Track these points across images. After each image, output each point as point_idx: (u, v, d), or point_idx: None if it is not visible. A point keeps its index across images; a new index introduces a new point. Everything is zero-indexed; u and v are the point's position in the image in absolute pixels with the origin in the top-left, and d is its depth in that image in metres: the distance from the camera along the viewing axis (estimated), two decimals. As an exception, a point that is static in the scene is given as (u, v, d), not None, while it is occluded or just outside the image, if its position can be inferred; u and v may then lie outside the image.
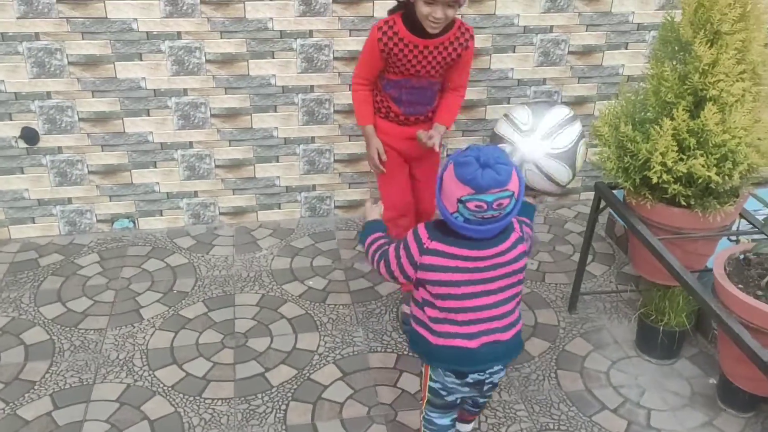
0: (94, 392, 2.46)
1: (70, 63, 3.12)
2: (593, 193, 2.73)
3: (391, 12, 2.52)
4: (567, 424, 2.37)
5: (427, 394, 2.00)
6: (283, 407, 2.42)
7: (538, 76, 3.56)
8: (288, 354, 2.67)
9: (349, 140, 3.52)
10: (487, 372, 1.91)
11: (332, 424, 2.35)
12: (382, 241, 1.99)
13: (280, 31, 3.22)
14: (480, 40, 3.40)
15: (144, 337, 2.74)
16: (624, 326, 2.86)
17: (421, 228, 1.85)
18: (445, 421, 2.05)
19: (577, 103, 3.65)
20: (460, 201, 1.71)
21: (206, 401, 2.43)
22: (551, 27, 3.45)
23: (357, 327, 2.83)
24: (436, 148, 2.56)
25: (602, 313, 2.95)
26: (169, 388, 2.49)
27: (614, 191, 2.65)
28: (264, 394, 2.47)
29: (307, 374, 2.57)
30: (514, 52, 3.48)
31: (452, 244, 1.79)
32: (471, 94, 3.53)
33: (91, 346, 2.69)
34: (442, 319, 1.85)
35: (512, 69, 3.52)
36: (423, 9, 2.33)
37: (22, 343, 2.69)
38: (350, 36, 3.28)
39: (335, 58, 3.32)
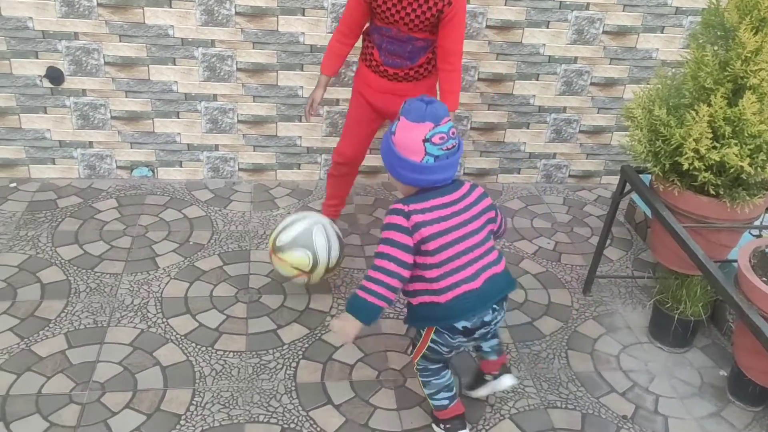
0: (108, 335, 2.48)
1: (98, 5, 3.08)
2: (615, 177, 2.71)
3: None
4: (575, 403, 2.38)
5: (424, 351, 2.07)
6: (294, 365, 2.43)
7: (570, 54, 3.50)
8: (300, 313, 2.68)
9: (374, 105, 3.47)
10: (492, 312, 1.99)
11: (341, 385, 2.36)
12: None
13: (314, -12, 3.17)
14: (514, 13, 3.34)
15: (159, 285, 2.75)
16: (638, 312, 2.85)
17: (393, 205, 1.96)
18: (443, 380, 2.13)
19: (607, 84, 3.59)
20: (425, 140, 1.89)
21: (218, 352, 2.45)
22: (587, 4, 3.38)
23: (370, 292, 2.83)
24: None
25: (616, 297, 2.94)
26: (182, 337, 2.50)
27: (640, 176, 2.62)
28: (275, 350, 2.48)
29: (319, 334, 2.58)
30: (547, 27, 3.41)
31: (425, 199, 1.95)
32: (500, 67, 3.48)
33: (107, 289, 2.70)
34: (443, 275, 1.93)
35: (544, 45, 3.46)
36: None
37: (38, 281, 2.70)
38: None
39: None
